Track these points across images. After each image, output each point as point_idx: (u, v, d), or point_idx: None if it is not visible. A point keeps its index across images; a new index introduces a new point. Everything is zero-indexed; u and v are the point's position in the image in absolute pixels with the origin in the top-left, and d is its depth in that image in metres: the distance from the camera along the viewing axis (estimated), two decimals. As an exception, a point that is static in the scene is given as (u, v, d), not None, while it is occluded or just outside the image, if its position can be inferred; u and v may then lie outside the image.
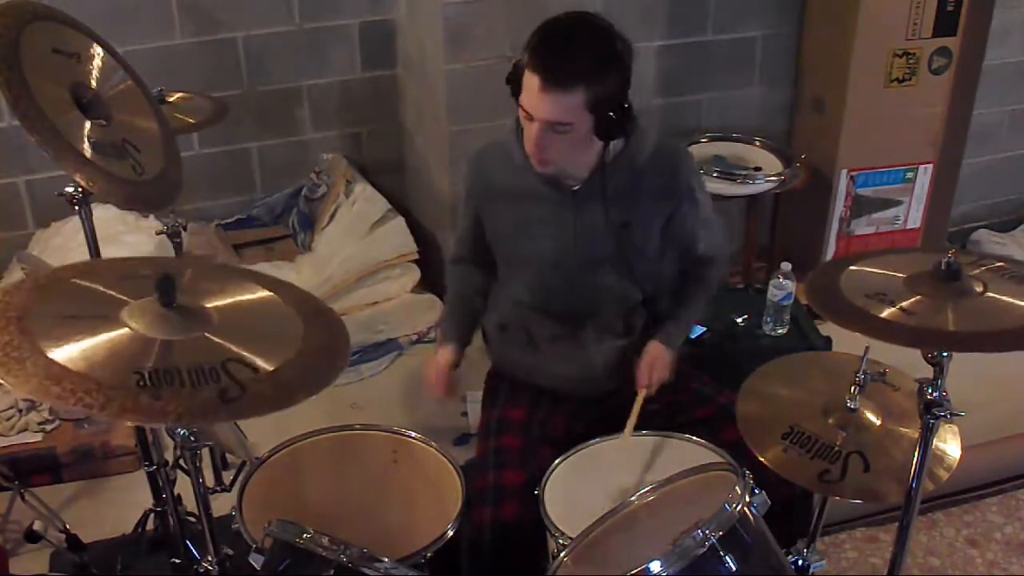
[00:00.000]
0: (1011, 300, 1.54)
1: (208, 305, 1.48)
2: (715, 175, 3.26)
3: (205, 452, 1.66)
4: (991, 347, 1.46)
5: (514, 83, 1.93)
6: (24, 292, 1.42)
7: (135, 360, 1.32)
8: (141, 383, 1.29)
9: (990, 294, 1.55)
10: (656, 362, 2.11)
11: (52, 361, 1.28)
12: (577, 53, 1.86)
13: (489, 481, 2.03)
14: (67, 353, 1.30)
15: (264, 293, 1.58)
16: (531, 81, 1.86)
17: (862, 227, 3.58)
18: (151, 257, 2.71)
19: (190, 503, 1.72)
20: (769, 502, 1.62)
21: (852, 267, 1.68)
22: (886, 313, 1.52)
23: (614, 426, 2.04)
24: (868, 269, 1.68)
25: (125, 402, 1.27)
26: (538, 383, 2.22)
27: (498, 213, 2.16)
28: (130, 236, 3.16)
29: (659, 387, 2.11)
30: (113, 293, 1.46)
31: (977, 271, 1.60)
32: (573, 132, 1.90)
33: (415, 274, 3.42)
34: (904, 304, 1.53)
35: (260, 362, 1.39)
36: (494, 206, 2.16)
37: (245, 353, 1.39)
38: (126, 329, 1.37)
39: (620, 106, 1.91)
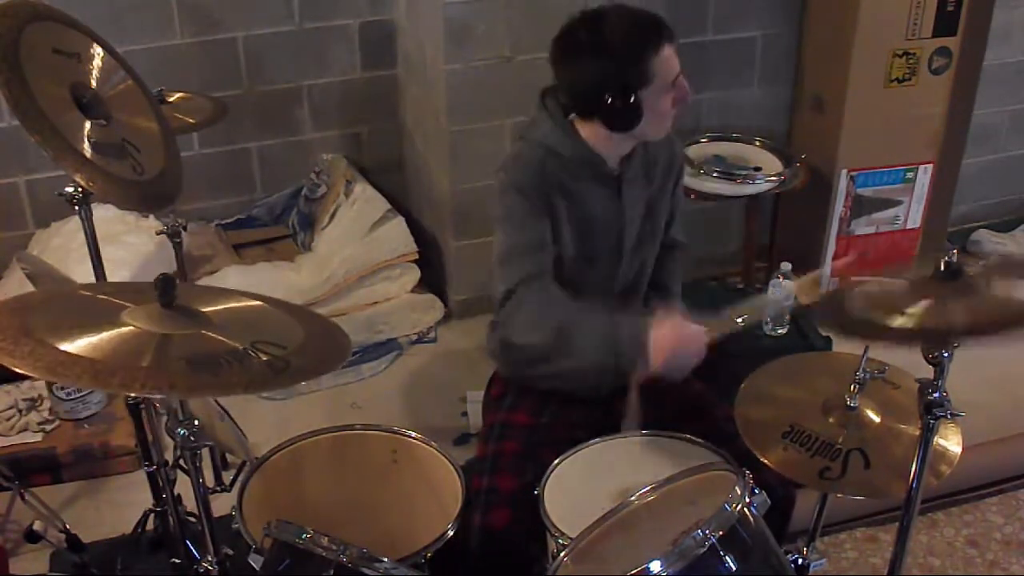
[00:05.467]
0: (1012, 296, 1.54)
1: (205, 310, 1.48)
2: (715, 175, 3.25)
3: (205, 452, 1.66)
4: (996, 335, 1.46)
5: (640, 82, 1.98)
6: (20, 309, 1.42)
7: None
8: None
9: (992, 290, 1.55)
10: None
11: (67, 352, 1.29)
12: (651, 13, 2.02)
13: (483, 485, 2.02)
14: (78, 346, 1.30)
15: (254, 302, 1.59)
16: (663, 55, 1.99)
17: (862, 227, 3.58)
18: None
19: (190, 503, 1.72)
20: (769, 502, 1.62)
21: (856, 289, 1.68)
22: (896, 323, 1.51)
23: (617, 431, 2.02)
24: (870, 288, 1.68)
25: (175, 379, 1.30)
26: (548, 388, 2.20)
27: (562, 211, 2.07)
28: (130, 236, 3.17)
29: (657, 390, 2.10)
30: (111, 301, 1.46)
31: (979, 271, 1.60)
32: None
33: (415, 274, 3.42)
34: (910, 310, 1.53)
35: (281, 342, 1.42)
36: (558, 203, 2.06)
37: (263, 339, 1.42)
38: (131, 327, 1.37)
39: None
